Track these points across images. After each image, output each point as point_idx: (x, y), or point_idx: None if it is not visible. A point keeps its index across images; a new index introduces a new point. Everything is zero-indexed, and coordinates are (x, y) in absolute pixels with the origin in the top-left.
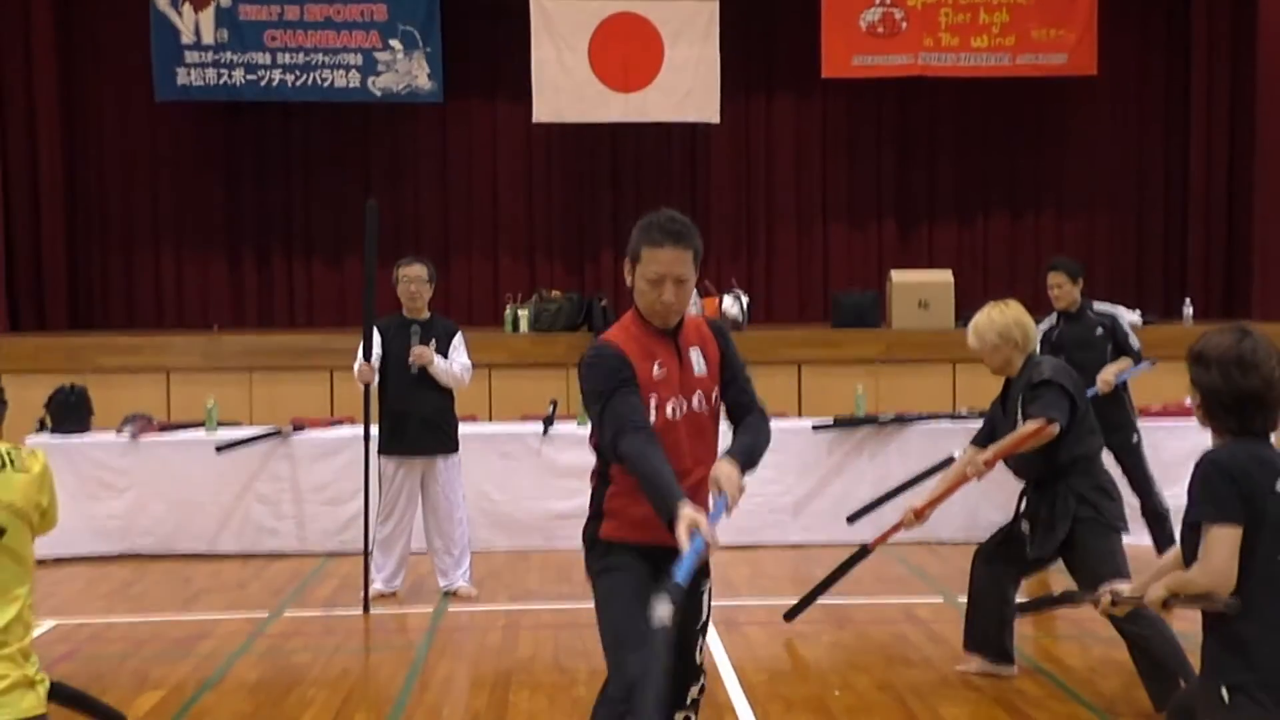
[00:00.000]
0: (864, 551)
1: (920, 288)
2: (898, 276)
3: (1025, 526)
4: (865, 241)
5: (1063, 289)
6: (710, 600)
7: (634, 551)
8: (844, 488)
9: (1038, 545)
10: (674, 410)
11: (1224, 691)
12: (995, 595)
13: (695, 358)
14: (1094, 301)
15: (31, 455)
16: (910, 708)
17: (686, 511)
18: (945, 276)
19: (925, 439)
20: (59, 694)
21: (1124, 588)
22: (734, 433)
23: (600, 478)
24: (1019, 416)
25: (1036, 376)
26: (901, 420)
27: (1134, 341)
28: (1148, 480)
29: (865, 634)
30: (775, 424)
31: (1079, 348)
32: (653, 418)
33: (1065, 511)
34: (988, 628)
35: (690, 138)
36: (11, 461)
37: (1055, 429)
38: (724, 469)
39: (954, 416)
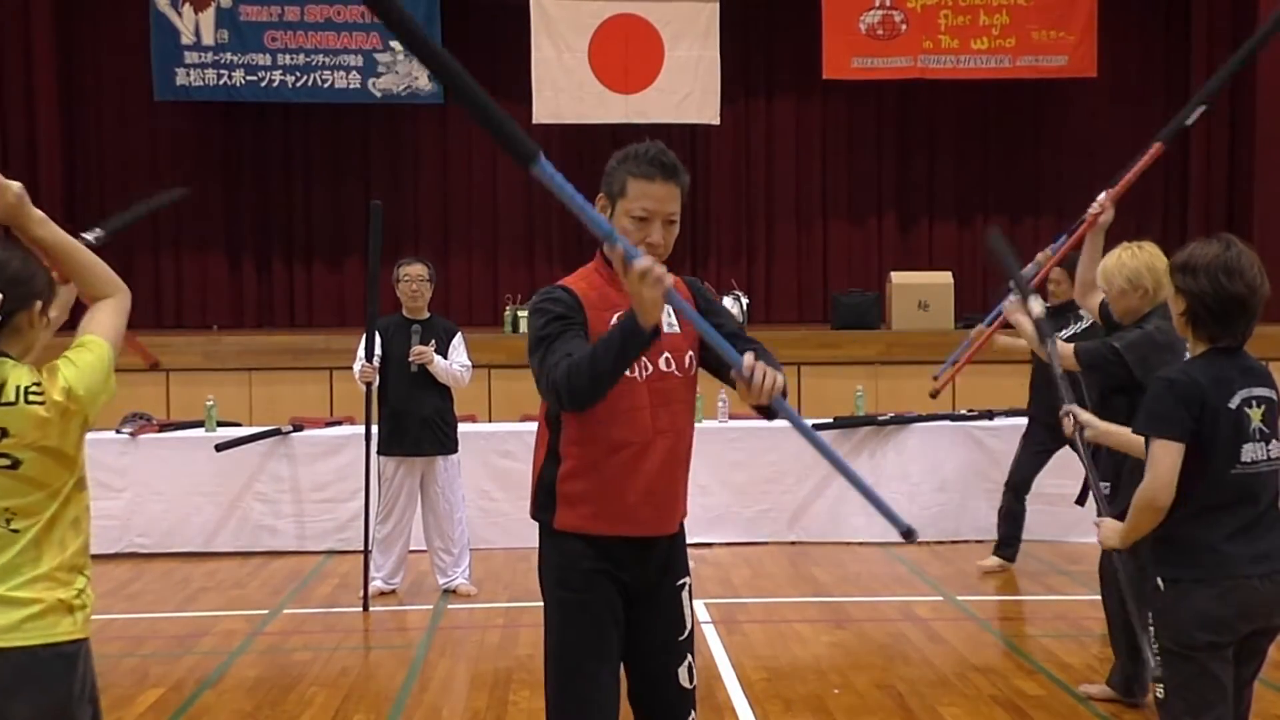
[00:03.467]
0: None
1: (920, 289)
2: (897, 278)
3: (1107, 489)
4: (865, 243)
5: (1060, 285)
6: (691, 605)
7: (597, 553)
8: (843, 488)
9: (1117, 504)
10: (640, 369)
11: (1160, 583)
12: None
13: (666, 313)
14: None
15: (49, 376)
16: (910, 707)
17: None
18: (945, 278)
19: (925, 439)
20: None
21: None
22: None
23: (549, 454)
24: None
25: (1123, 338)
26: (901, 421)
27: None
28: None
29: (865, 633)
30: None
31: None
32: None
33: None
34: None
35: (690, 139)
36: (27, 396)
37: (1073, 365)
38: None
39: (954, 417)
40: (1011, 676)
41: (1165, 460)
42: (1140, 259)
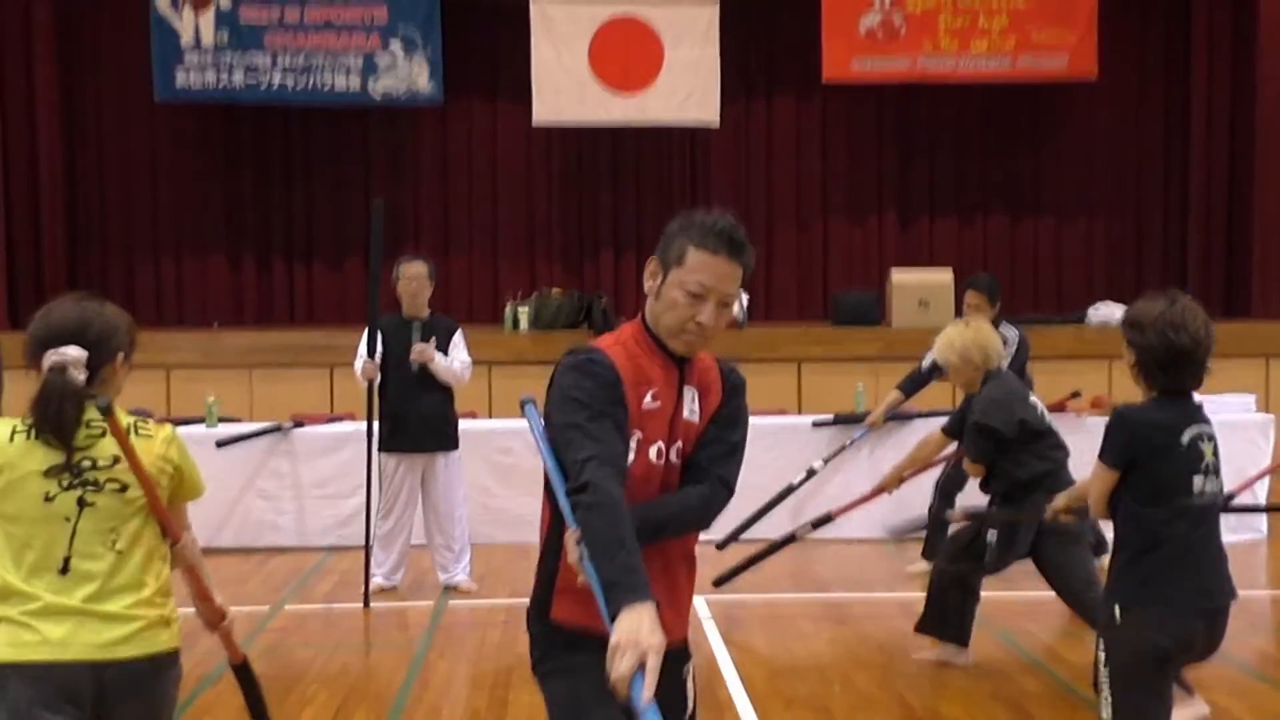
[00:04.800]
0: (827, 518)
1: (920, 287)
2: (898, 276)
3: (992, 536)
4: (865, 242)
5: (979, 310)
6: (696, 686)
7: (598, 649)
8: (843, 485)
9: (993, 561)
10: (658, 454)
11: (1116, 610)
12: (960, 589)
13: (689, 399)
14: (1004, 323)
15: (156, 425)
16: (910, 705)
17: (643, 624)
18: (945, 276)
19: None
20: (243, 673)
21: (1061, 503)
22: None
23: (551, 531)
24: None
25: (971, 414)
26: (900, 418)
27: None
28: None
29: (865, 631)
30: (775, 420)
31: None
32: (631, 458)
33: (1028, 528)
34: (947, 613)
35: (690, 140)
36: (136, 430)
37: (979, 471)
38: (625, 628)
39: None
40: (1012, 674)
41: (1097, 482)
42: (967, 336)
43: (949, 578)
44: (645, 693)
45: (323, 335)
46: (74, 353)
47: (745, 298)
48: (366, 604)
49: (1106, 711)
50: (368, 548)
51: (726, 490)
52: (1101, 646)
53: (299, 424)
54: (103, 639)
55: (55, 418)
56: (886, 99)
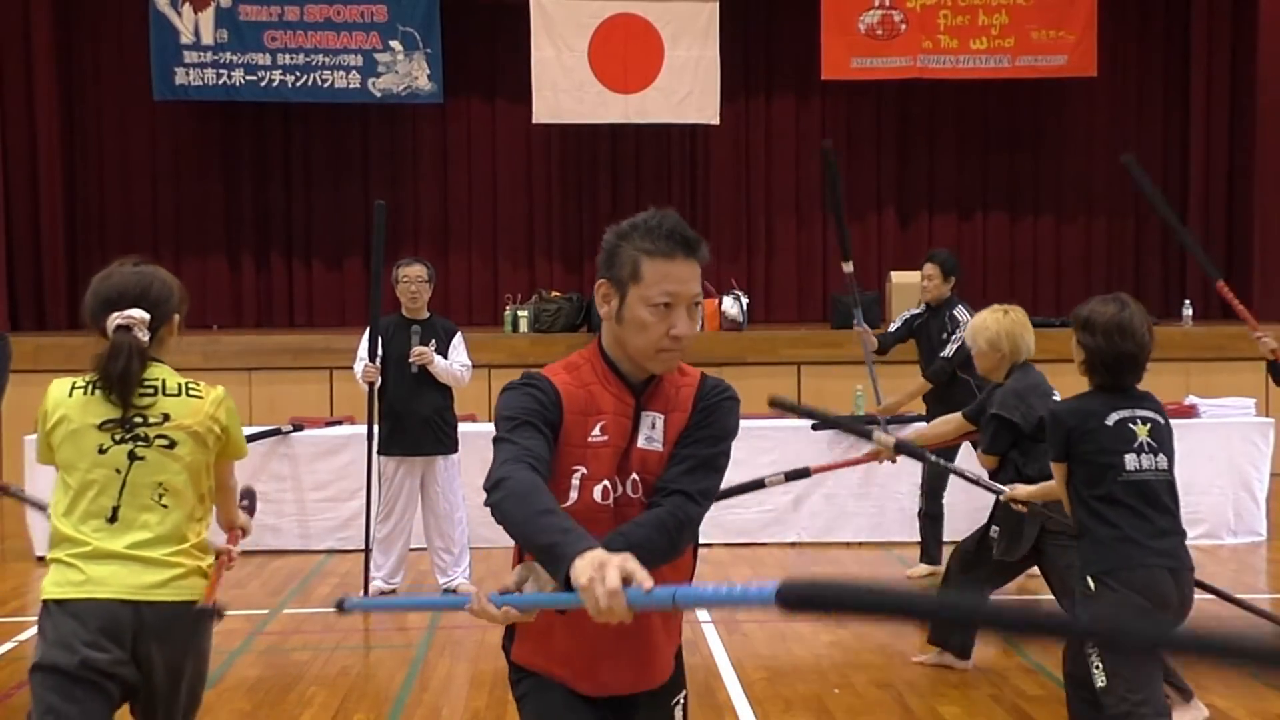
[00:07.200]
0: (805, 472)
1: (919, 288)
2: (897, 278)
3: (995, 532)
4: (865, 243)
5: (932, 281)
6: (686, 716)
7: (555, 690)
8: (843, 487)
9: (1002, 550)
10: (603, 494)
11: (1089, 581)
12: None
13: (649, 425)
14: (960, 306)
15: (208, 387)
16: (909, 706)
17: (599, 555)
18: None
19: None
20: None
21: (1024, 491)
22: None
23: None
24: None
25: (989, 404)
26: (900, 420)
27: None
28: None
29: (864, 633)
30: (775, 424)
31: (927, 340)
32: (572, 498)
33: (1033, 522)
34: (955, 625)
35: (690, 139)
36: (186, 390)
37: (991, 462)
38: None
39: None
40: (1011, 676)
41: (1055, 476)
42: (1003, 324)
43: (961, 586)
44: (645, 583)
45: (322, 338)
46: (139, 314)
47: (745, 299)
48: None
49: (1101, 681)
50: (367, 550)
51: (692, 503)
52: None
53: (298, 427)
54: (142, 581)
55: (123, 374)
56: (886, 97)
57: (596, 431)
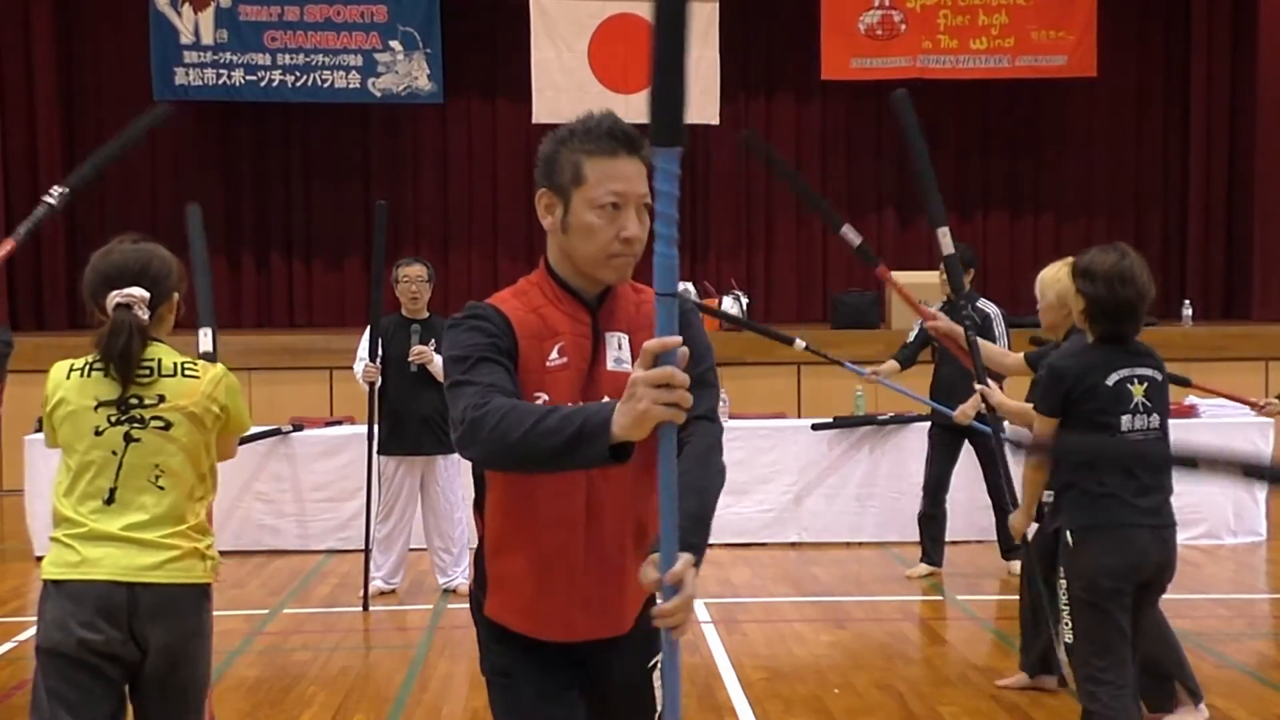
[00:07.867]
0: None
1: (919, 288)
2: (897, 277)
3: (1049, 497)
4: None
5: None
6: (663, 685)
7: (525, 650)
8: (842, 487)
9: (1048, 519)
10: None
11: (1069, 535)
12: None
13: (615, 345)
14: (980, 299)
15: (206, 365)
16: (909, 707)
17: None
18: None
19: (923, 439)
20: None
21: (999, 398)
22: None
23: (478, 514)
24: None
25: (1049, 359)
26: (900, 420)
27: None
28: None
29: (864, 633)
30: (775, 424)
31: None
32: None
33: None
34: (1044, 645)
35: (690, 138)
36: (183, 370)
37: (1047, 424)
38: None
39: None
40: (1011, 676)
41: (1040, 431)
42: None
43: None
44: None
45: (322, 338)
46: (139, 292)
47: (744, 298)
48: (366, 606)
49: (1068, 637)
50: (367, 550)
51: (713, 423)
52: (1061, 575)
53: (298, 427)
54: (137, 563)
55: (123, 353)
56: (886, 97)
57: (554, 354)
